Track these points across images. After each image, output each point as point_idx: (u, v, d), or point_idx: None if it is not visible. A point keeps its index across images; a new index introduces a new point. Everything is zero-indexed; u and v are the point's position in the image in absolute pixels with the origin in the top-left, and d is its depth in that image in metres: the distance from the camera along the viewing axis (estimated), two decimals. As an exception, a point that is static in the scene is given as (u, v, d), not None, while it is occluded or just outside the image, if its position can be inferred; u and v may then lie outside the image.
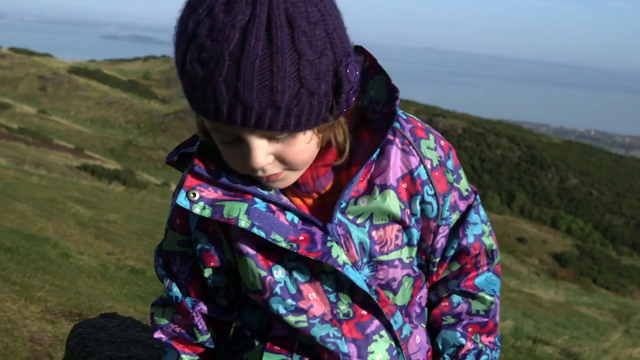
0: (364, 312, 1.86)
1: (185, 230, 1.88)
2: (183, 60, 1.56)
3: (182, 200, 1.75)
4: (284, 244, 1.74)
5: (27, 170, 21.09)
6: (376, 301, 1.84)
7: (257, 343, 1.93)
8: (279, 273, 1.80)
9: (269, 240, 1.74)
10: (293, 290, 1.81)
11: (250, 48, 1.49)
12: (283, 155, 1.68)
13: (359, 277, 1.81)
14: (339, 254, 1.78)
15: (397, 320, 1.90)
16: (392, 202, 1.82)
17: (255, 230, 1.73)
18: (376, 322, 1.87)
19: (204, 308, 1.94)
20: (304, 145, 1.69)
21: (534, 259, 71.49)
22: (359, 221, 1.82)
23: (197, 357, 1.99)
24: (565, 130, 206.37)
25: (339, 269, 1.77)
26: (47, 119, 78.36)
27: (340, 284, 1.83)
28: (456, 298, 2.02)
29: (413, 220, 1.87)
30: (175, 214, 1.88)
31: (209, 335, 1.98)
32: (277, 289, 1.80)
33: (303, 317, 1.82)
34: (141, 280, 8.28)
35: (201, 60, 1.52)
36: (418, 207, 1.87)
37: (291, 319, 1.82)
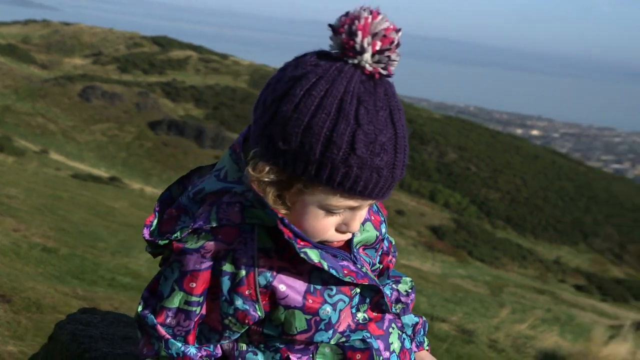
0: (375, 314, 2.18)
1: (199, 292, 2.02)
2: (351, 143, 1.81)
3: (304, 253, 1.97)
4: (346, 279, 2.03)
5: None
6: (387, 302, 2.18)
7: None
8: (327, 311, 2.04)
9: (339, 277, 2.02)
10: (335, 320, 2.05)
11: (402, 134, 1.91)
12: (361, 218, 2.03)
13: (383, 289, 2.17)
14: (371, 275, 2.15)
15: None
16: (371, 231, 2.22)
17: (332, 270, 2.00)
18: (388, 317, 2.21)
19: (204, 352, 2.10)
20: None
21: (411, 232, 72.92)
22: (356, 248, 2.16)
23: None
24: (445, 105, 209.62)
25: (380, 286, 2.13)
26: None
27: (362, 299, 2.13)
28: (387, 289, 2.35)
29: (379, 242, 2.27)
30: (190, 277, 2.00)
31: None
32: (322, 325, 2.04)
33: (339, 335, 2.08)
34: (54, 259, 8.41)
35: (373, 145, 1.83)
36: (384, 231, 2.30)
37: (333, 341, 2.08)
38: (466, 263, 63.06)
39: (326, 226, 1.98)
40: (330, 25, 1.86)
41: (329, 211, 1.94)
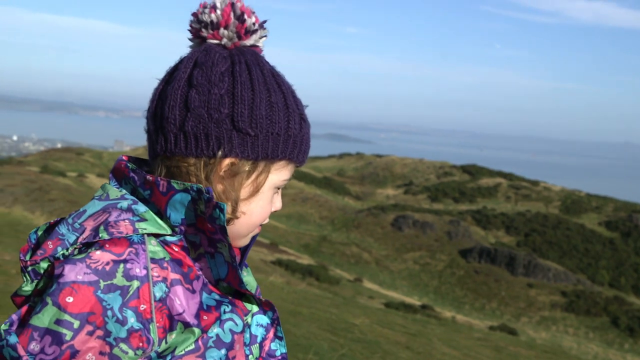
0: None
1: (75, 311, 1.60)
2: (300, 114, 1.86)
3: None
4: (243, 287, 1.83)
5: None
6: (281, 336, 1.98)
7: None
8: (215, 329, 1.77)
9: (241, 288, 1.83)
10: (225, 338, 1.79)
11: None
12: None
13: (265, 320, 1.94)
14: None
15: None
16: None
17: (242, 286, 1.83)
18: None
19: None
20: None
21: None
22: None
23: None
24: None
25: (275, 309, 1.94)
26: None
27: (253, 338, 1.89)
28: None
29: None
30: (69, 289, 1.60)
31: None
32: (211, 343, 1.75)
33: None
34: None
35: (305, 114, 1.90)
36: None
37: None
38: None
39: (267, 208, 1.90)
40: (210, 21, 1.81)
41: (277, 189, 1.91)
